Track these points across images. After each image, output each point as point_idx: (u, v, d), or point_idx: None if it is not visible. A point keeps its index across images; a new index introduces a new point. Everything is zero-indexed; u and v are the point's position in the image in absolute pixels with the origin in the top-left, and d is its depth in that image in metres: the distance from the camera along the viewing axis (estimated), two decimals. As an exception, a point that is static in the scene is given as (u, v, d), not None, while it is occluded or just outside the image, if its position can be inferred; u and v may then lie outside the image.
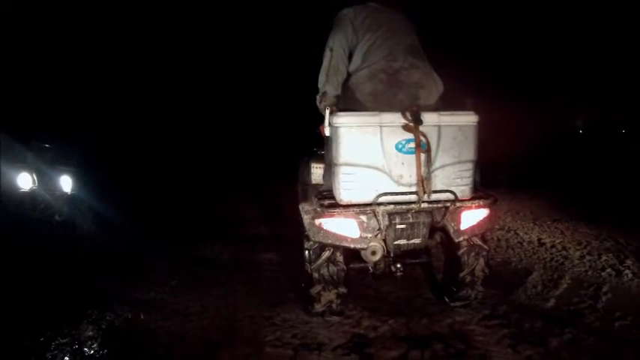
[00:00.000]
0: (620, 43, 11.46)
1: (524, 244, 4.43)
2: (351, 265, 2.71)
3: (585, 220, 5.28)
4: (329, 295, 2.58)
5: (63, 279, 3.57)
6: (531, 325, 2.51)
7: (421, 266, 3.42)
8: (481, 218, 2.57)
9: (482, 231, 2.61)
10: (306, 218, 2.45)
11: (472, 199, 2.48)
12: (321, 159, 2.82)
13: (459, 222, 2.50)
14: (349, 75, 2.62)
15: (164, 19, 13.43)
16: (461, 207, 2.45)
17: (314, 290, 2.56)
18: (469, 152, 2.45)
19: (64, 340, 2.56)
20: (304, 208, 2.53)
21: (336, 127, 2.30)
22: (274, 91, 13.80)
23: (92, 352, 2.47)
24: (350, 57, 2.63)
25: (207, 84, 14.63)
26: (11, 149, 3.84)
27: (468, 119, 2.50)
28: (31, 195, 3.81)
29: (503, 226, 5.25)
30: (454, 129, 2.44)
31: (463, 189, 2.43)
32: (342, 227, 2.41)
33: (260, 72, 14.07)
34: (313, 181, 2.89)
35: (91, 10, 11.65)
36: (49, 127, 5.53)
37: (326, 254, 2.51)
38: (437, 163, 2.36)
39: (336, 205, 2.35)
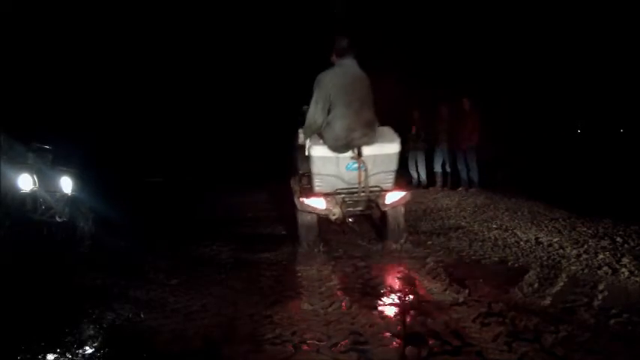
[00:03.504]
0: (619, 42, 11.48)
1: (522, 242, 4.45)
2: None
3: (583, 218, 5.31)
4: (310, 236, 4.32)
5: (64, 279, 3.61)
6: (527, 323, 2.53)
7: (366, 218, 5.11)
8: (399, 197, 4.28)
9: (400, 203, 4.34)
10: (295, 197, 4.30)
11: (393, 189, 4.24)
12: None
13: (384, 200, 4.20)
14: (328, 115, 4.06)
15: (163, 24, 13.45)
16: (385, 192, 4.18)
17: (300, 230, 4.35)
18: (392, 165, 4.23)
19: (65, 340, 2.59)
20: (294, 190, 4.45)
21: (312, 154, 4.06)
22: (268, 97, 13.84)
23: (93, 351, 2.49)
24: (328, 110, 4.05)
25: (205, 87, 14.64)
26: (12, 150, 3.86)
27: (392, 148, 4.19)
28: (31, 196, 3.82)
29: (500, 226, 5.29)
30: (383, 155, 4.13)
31: (388, 184, 4.24)
32: (315, 203, 4.14)
33: (256, 79, 14.09)
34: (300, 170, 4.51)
35: (91, 12, 11.67)
36: (49, 129, 5.58)
37: (306, 215, 4.27)
38: (371, 173, 4.10)
39: (311, 192, 4.19)
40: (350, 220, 4.61)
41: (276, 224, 6.02)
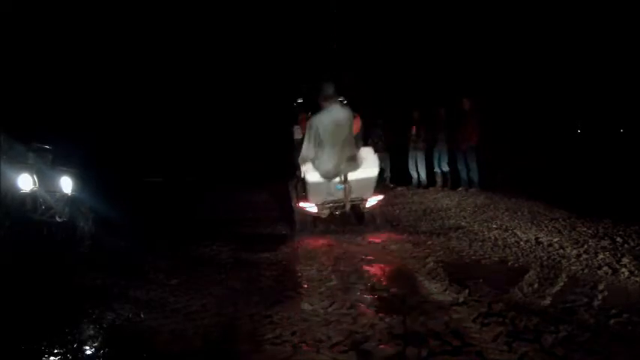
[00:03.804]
0: (619, 43, 11.47)
1: (522, 243, 4.45)
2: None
3: (583, 218, 5.31)
4: (304, 225, 5.40)
5: (64, 279, 3.61)
6: (527, 323, 2.53)
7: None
8: (376, 202, 5.32)
9: (377, 206, 5.40)
10: (292, 201, 5.57)
11: (372, 196, 5.23)
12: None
13: (364, 204, 5.26)
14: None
15: (163, 24, 13.45)
16: (364, 200, 5.22)
17: (296, 222, 5.43)
18: (372, 183, 5.20)
19: (65, 340, 2.59)
20: (292, 195, 5.66)
21: (307, 180, 5.00)
22: (267, 97, 13.85)
23: (93, 351, 2.50)
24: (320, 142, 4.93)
25: (205, 87, 14.64)
26: (12, 150, 3.87)
27: (372, 172, 5.15)
28: (31, 196, 3.83)
29: (500, 226, 5.29)
30: (365, 178, 5.10)
31: (368, 194, 5.21)
32: (309, 208, 5.19)
33: (255, 79, 14.08)
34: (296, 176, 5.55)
35: (91, 12, 11.67)
36: (49, 129, 5.58)
37: (300, 215, 5.36)
38: (355, 190, 5.08)
39: (306, 199, 5.19)
40: (336, 213, 5.49)
41: (275, 224, 6.03)
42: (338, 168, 4.88)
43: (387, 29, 12.99)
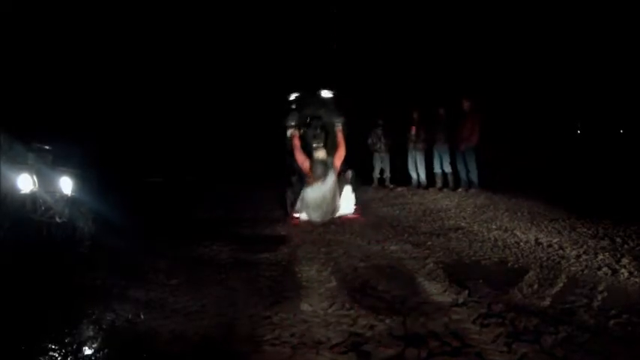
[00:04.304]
0: (619, 43, 11.47)
1: (521, 243, 4.45)
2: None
3: (582, 219, 5.32)
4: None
5: (64, 279, 3.61)
6: (526, 324, 2.54)
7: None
8: (356, 216, 6.10)
9: (354, 217, 6.09)
10: (288, 208, 6.28)
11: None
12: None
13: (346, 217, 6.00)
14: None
15: (164, 24, 13.44)
16: (347, 215, 5.98)
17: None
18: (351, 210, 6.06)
19: (65, 340, 2.59)
20: (288, 203, 6.34)
21: (300, 218, 5.82)
22: (267, 97, 13.87)
23: (93, 351, 2.50)
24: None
25: (205, 87, 14.62)
26: (12, 150, 3.87)
27: (350, 209, 6.05)
28: (31, 197, 3.83)
29: (500, 226, 5.30)
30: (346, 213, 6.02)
31: (348, 211, 6.00)
32: (301, 216, 5.75)
33: (255, 78, 14.09)
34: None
35: (91, 12, 11.66)
36: (49, 129, 5.58)
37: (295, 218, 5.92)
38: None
39: (299, 211, 5.82)
40: None
41: (275, 225, 6.03)
42: (324, 219, 5.60)
43: (387, 29, 12.97)
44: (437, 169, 9.02)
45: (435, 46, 12.45)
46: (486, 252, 4.20)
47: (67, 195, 4.17)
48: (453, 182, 8.85)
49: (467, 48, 12.04)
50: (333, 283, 3.46)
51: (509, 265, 3.79)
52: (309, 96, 7.77)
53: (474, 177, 8.42)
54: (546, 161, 10.90)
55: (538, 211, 6.15)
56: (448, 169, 8.85)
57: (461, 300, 2.97)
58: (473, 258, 4.03)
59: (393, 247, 4.42)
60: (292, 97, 7.97)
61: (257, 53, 14.29)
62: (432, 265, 3.81)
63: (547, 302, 2.86)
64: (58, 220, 4.05)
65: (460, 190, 8.42)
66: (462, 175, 8.56)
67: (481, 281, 3.33)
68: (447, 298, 3.02)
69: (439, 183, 9.02)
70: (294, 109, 7.65)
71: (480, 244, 4.52)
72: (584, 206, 6.04)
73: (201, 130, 14.38)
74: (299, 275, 3.69)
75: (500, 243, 4.52)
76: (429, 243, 4.60)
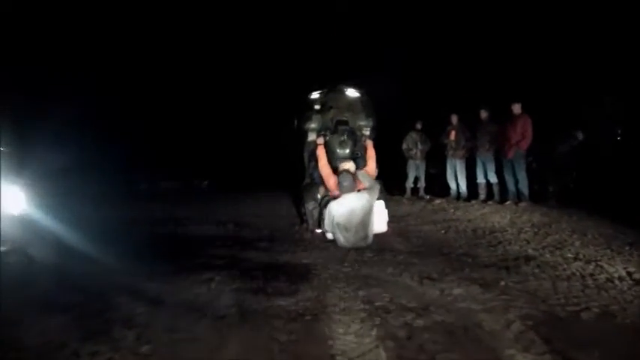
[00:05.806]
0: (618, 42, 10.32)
1: (615, 281, 3.43)
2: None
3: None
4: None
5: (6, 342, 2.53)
6: None
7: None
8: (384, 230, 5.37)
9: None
10: (310, 224, 5.82)
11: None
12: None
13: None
14: None
15: (168, 27, 13.12)
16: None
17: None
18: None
19: None
20: (310, 220, 5.81)
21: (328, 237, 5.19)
22: (279, 100, 13.27)
23: None
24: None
25: (214, 91, 14.16)
26: None
27: (381, 228, 5.29)
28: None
29: (577, 255, 4.25)
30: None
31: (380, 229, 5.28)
32: (327, 235, 5.16)
33: (266, 81, 13.58)
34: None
35: (92, 12, 11.28)
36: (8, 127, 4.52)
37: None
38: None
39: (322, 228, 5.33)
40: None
41: (295, 247, 4.92)
42: (356, 245, 4.81)
43: (426, 28, 12.15)
44: (480, 179, 7.88)
45: (477, 44, 11.52)
46: (579, 296, 3.11)
47: (13, 214, 3.06)
48: (498, 194, 7.68)
49: (514, 47, 11.02)
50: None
51: (617, 319, 2.73)
52: (334, 95, 6.76)
53: (524, 188, 7.29)
54: (589, 169, 9.72)
55: (607, 231, 5.14)
56: (494, 178, 7.68)
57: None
58: (567, 308, 2.91)
59: (456, 291, 3.21)
60: (313, 96, 6.93)
61: (262, 56, 13.77)
62: (518, 323, 2.65)
63: None
64: (1, 248, 2.97)
65: (509, 202, 7.29)
66: (510, 185, 7.44)
67: (597, 354, 2.28)
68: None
69: (482, 195, 7.86)
70: (316, 111, 6.64)
71: (565, 282, 3.42)
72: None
73: (215, 133, 13.86)
74: (330, 342, 2.46)
75: (590, 281, 3.45)
76: (502, 283, 3.40)
